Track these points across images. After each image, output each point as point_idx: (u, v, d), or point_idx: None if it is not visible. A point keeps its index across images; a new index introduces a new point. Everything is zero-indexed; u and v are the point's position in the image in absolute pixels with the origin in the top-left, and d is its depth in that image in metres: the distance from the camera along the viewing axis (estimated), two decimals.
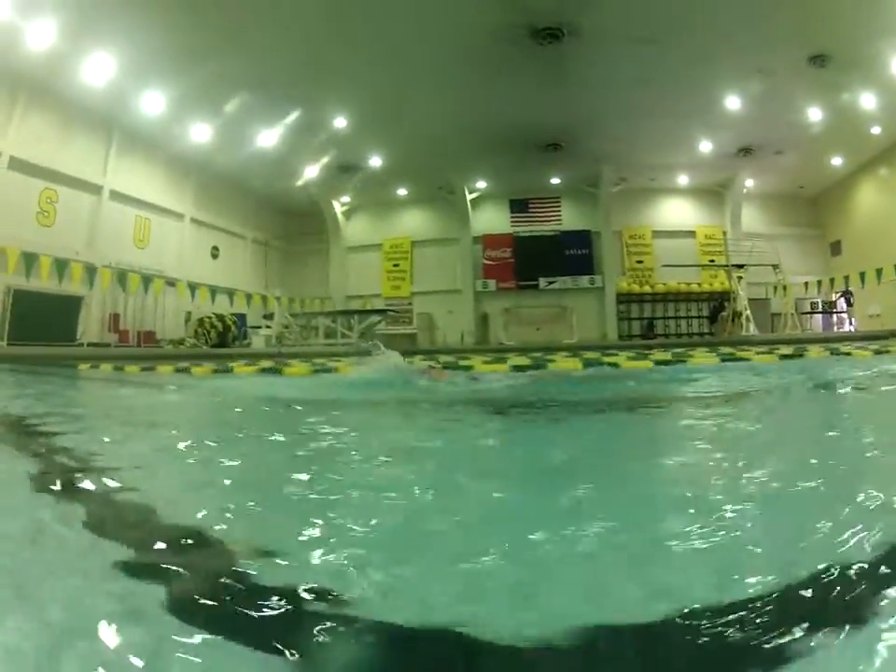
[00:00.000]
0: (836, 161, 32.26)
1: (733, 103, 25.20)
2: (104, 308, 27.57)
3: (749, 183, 35.20)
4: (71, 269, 23.60)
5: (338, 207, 39.09)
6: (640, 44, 20.30)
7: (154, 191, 30.51)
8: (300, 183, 34.46)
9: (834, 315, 35.37)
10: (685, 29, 20.02)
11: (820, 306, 35.30)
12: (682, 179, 35.25)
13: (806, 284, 32.86)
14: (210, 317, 28.66)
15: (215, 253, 34.50)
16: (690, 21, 19.75)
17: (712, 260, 34.28)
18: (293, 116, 27.30)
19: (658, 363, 11.10)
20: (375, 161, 32.49)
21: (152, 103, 25.49)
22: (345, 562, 1.83)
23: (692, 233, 36.70)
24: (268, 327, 29.35)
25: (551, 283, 36.32)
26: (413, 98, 25.31)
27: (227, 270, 33.45)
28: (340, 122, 27.85)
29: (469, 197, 37.32)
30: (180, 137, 28.45)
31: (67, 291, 24.75)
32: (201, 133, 28.24)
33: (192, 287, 28.37)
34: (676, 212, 36.95)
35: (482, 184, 36.76)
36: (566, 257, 36.30)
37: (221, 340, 28.57)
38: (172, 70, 23.13)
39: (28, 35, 20.12)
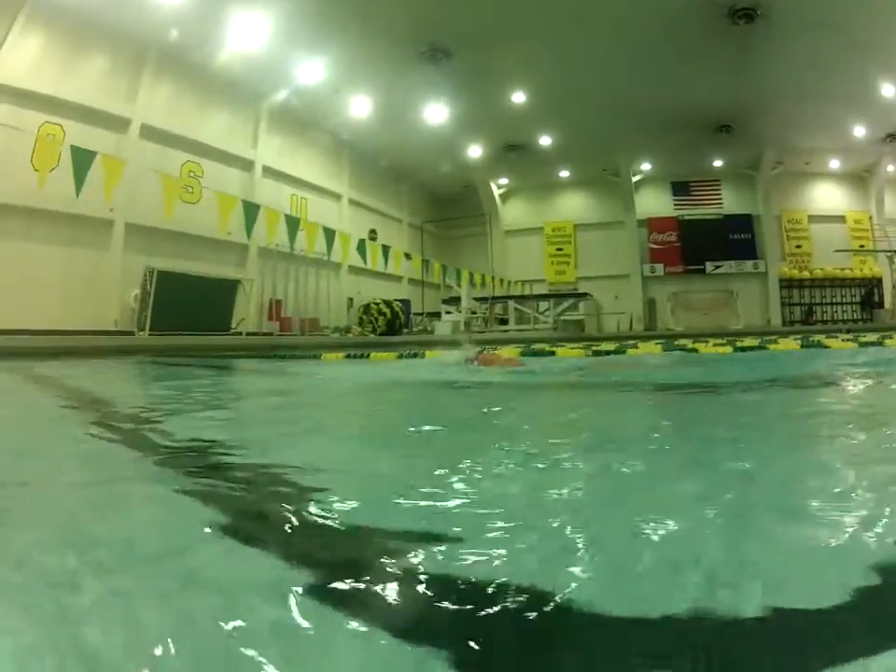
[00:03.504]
0: None
1: (888, 90, 20.37)
2: (261, 293, 19.04)
3: (891, 168, 27.08)
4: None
5: (495, 190, 29.82)
6: (822, 29, 16.53)
7: (310, 170, 22.13)
8: (459, 163, 26.03)
9: None
10: (861, 16, 16.19)
11: None
12: (833, 164, 27.17)
13: None
14: (377, 303, 20.07)
15: (373, 236, 25.19)
16: (866, 9, 15.93)
17: (862, 246, 27.32)
18: (463, 89, 19.84)
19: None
20: (544, 141, 24.42)
21: (306, 74, 18.44)
22: None
23: (842, 218, 28.07)
24: (448, 312, 21.56)
25: (717, 267, 27.43)
26: (592, 75, 19.43)
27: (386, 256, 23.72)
28: (518, 97, 20.68)
29: (632, 179, 28.19)
30: (335, 113, 20.89)
31: (221, 274, 17.04)
32: (358, 107, 20.61)
33: (364, 249, 18.62)
34: (827, 196, 28.27)
35: (646, 166, 27.86)
36: (729, 241, 27.45)
37: (389, 327, 19.83)
38: (326, 39, 16.92)
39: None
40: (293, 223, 15.17)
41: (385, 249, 18.87)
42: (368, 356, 9.01)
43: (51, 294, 13.59)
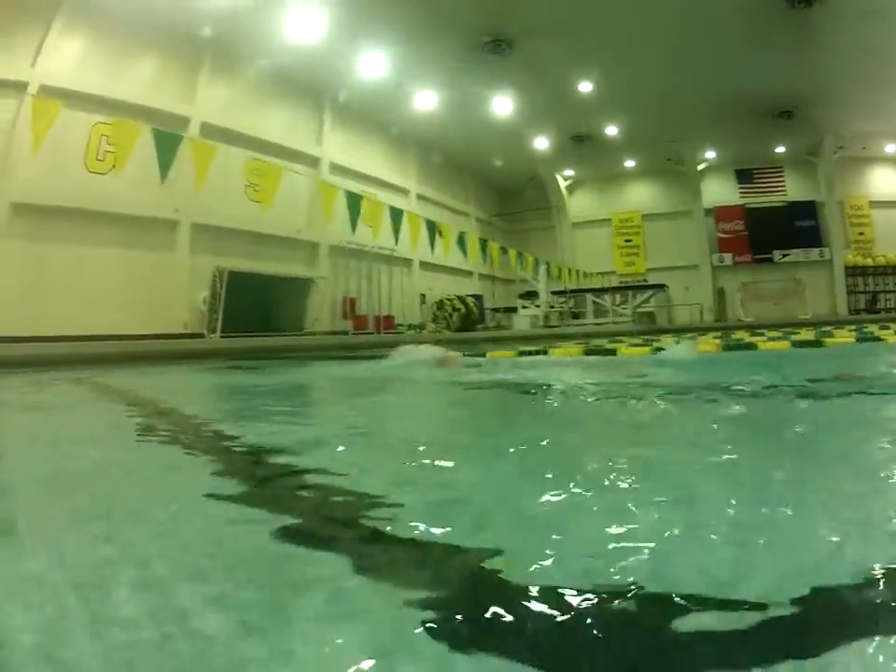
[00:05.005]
0: None
1: None
2: (334, 291, 17.46)
3: None
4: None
5: (562, 182, 27.83)
6: (878, 15, 15.26)
7: (376, 165, 20.29)
8: (525, 155, 24.12)
9: None
10: None
11: None
12: (889, 148, 24.75)
13: None
14: (451, 299, 18.75)
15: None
16: None
17: None
18: (528, 80, 17.99)
19: None
20: (610, 131, 22.52)
21: (369, 68, 16.58)
22: None
23: None
24: (525, 307, 19.99)
25: (784, 255, 25.22)
26: (658, 63, 17.66)
27: (455, 249, 21.71)
28: (584, 87, 18.80)
29: (698, 168, 26.25)
30: (400, 107, 19.01)
31: (293, 273, 15.71)
32: (423, 101, 18.76)
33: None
34: (886, 182, 25.57)
35: (710, 154, 25.75)
36: (795, 228, 25.14)
37: (464, 323, 18.62)
38: (387, 32, 15.19)
39: None
40: (397, 215, 13.19)
41: (483, 242, 17.38)
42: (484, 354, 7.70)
43: (116, 299, 12.16)
